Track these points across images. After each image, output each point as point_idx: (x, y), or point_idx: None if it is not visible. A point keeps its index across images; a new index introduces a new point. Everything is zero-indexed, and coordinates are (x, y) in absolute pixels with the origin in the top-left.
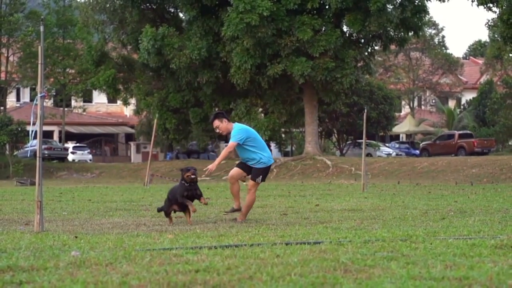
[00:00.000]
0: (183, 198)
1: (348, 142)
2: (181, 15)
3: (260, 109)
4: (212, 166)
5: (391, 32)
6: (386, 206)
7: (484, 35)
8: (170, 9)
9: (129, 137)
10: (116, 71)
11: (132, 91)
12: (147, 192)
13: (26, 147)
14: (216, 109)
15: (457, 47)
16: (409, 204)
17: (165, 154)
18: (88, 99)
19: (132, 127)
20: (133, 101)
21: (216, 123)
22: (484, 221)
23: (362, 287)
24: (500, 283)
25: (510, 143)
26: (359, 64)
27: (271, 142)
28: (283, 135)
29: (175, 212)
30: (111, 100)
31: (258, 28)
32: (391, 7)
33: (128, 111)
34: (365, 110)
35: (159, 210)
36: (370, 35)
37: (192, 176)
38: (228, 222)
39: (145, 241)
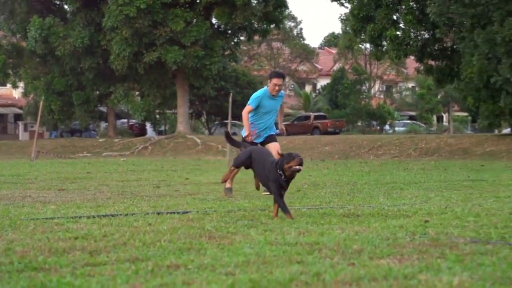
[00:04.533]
0: (281, 197)
1: (215, 123)
2: (66, 7)
3: (137, 93)
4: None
5: (255, 24)
6: (249, 180)
7: (337, 28)
8: (56, 1)
9: (17, 117)
10: (6, 57)
11: (20, 76)
12: (33, 167)
13: None
14: (97, 92)
15: (313, 38)
16: None
17: (51, 132)
18: None
19: (20, 108)
20: (21, 84)
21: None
22: (335, 193)
23: (224, 251)
24: (346, 248)
25: (358, 123)
26: (226, 53)
27: (146, 122)
28: (157, 116)
29: None
30: (1, 83)
31: (135, 20)
32: (255, 1)
33: (17, 93)
34: (231, 94)
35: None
36: (236, 27)
37: (299, 168)
38: (106, 193)
39: (29, 211)
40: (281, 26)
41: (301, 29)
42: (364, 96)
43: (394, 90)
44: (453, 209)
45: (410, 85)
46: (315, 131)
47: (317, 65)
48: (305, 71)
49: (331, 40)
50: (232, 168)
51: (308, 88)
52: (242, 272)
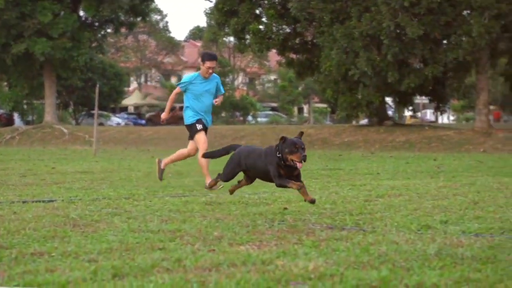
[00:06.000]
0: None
1: (82, 113)
2: None
3: (5, 83)
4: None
5: (122, 17)
6: (114, 169)
7: (202, 21)
8: None
9: None
10: None
11: None
12: None
13: None
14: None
15: (179, 31)
16: (134, 167)
17: None
18: None
19: None
20: None
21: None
22: (198, 181)
23: (88, 239)
24: (207, 234)
25: (222, 114)
26: (93, 45)
27: (14, 112)
28: (25, 106)
29: None
30: None
31: (3, 11)
32: None
33: None
34: (98, 85)
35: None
36: (104, 20)
37: (299, 166)
38: None
39: None
40: (148, 19)
41: (167, 22)
42: (228, 88)
43: (257, 82)
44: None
45: (272, 77)
46: (180, 122)
47: (182, 57)
48: (170, 63)
49: (196, 34)
50: (218, 180)
51: (173, 80)
52: (105, 259)
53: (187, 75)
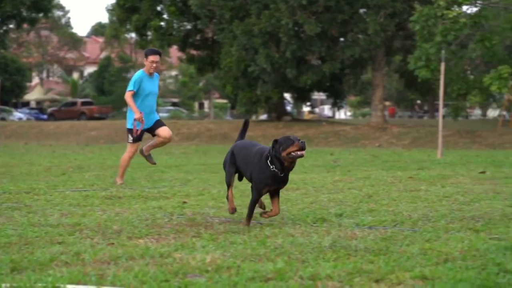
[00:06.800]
0: (257, 199)
1: None
2: None
3: None
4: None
5: (24, 13)
6: (15, 163)
7: (104, 18)
8: None
9: None
10: None
11: None
12: None
13: None
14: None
15: (81, 27)
16: (35, 162)
17: None
18: None
19: None
20: None
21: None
22: (98, 176)
23: None
24: (107, 228)
25: (124, 109)
26: None
27: None
28: None
29: None
30: None
31: None
32: None
33: None
34: (0, 80)
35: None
36: (6, 15)
37: (301, 154)
38: None
39: None
40: (50, 15)
41: (69, 18)
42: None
43: None
44: (210, 191)
45: (173, 73)
46: (81, 117)
47: (84, 53)
48: (72, 59)
49: (98, 30)
50: (230, 192)
51: (75, 75)
52: (4, 253)
53: (134, 75)
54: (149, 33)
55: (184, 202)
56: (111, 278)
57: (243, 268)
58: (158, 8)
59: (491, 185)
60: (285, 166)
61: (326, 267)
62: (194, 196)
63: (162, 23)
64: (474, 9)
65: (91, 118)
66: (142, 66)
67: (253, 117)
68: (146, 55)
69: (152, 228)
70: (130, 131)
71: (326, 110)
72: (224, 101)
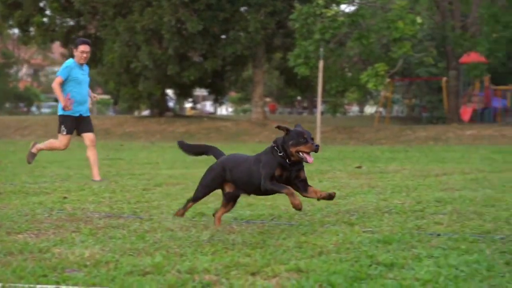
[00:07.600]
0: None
1: None
2: None
3: None
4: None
5: None
6: None
7: None
8: None
9: None
10: None
11: None
12: None
13: None
14: None
15: None
16: None
17: None
18: None
19: None
20: None
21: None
22: None
23: None
24: None
25: (6, 105)
26: None
27: None
28: None
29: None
30: None
31: None
32: None
33: None
34: None
35: None
36: None
37: (311, 160)
38: None
39: None
40: None
41: None
42: (12, 79)
43: (41, 73)
44: (90, 186)
45: (56, 69)
46: None
47: None
48: None
49: None
50: (190, 204)
51: None
52: None
53: (64, 63)
54: (31, 29)
55: (65, 197)
56: None
57: (122, 263)
58: (41, 4)
59: (367, 179)
60: (290, 158)
61: (203, 260)
62: (74, 192)
63: (45, 19)
64: (352, 8)
65: None
66: (25, 62)
67: (135, 113)
68: (76, 45)
69: (31, 223)
70: (63, 121)
71: (208, 106)
72: (107, 96)
